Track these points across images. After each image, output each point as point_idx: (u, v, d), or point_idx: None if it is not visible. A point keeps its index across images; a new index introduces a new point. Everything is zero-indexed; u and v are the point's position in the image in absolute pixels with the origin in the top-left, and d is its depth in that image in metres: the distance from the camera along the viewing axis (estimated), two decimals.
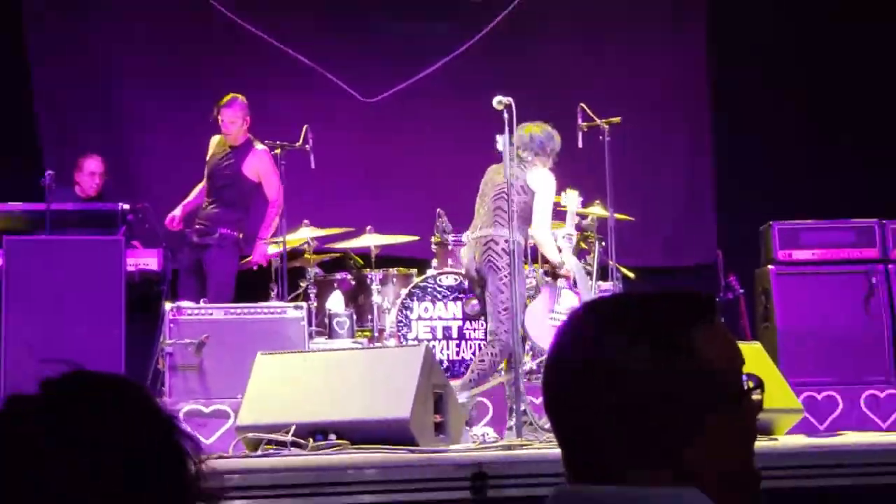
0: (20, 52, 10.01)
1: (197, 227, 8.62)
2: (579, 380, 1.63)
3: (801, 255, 8.65)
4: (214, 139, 8.79)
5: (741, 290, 9.16)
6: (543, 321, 7.52)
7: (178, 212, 8.76)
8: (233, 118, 8.58)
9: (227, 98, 8.62)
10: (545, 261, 7.76)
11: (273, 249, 8.55)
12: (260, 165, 8.63)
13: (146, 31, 10.37)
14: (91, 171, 9.07)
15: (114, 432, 1.57)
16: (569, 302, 7.56)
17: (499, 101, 6.68)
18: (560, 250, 7.59)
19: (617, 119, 8.36)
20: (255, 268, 8.70)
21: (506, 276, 7.07)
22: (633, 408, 1.60)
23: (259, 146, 8.61)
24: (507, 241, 7.09)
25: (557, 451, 4.81)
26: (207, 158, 8.75)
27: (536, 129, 7.55)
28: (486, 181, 7.45)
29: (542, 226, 7.37)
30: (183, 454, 1.61)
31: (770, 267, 8.62)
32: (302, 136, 8.47)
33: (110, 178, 9.26)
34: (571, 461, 1.66)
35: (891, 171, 10.10)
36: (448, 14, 10.84)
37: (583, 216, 8.33)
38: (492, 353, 7.03)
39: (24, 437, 1.53)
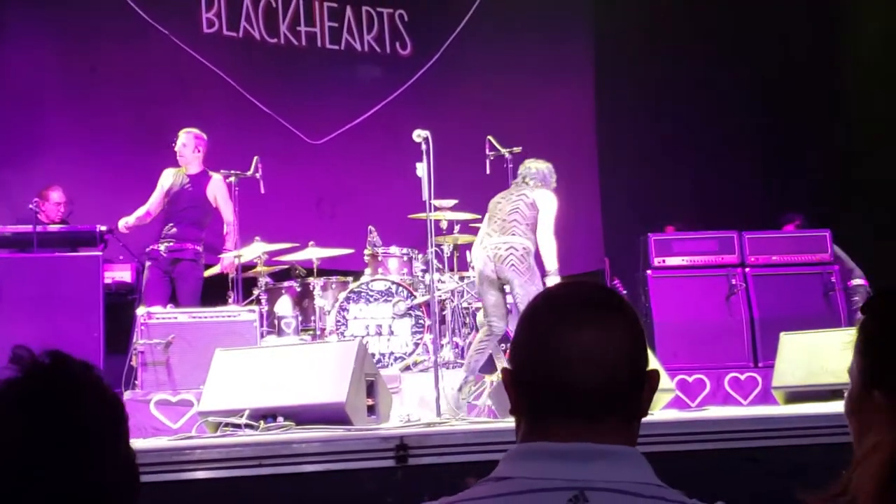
0: None
1: (166, 244, 8.51)
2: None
3: (673, 261, 8.78)
4: (169, 171, 8.68)
5: (624, 291, 9.28)
6: None
7: (131, 220, 8.56)
8: (186, 142, 8.55)
9: (183, 130, 8.60)
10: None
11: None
12: (218, 191, 8.60)
13: (111, 70, 10.03)
14: (56, 202, 8.99)
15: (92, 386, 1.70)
16: None
17: (417, 134, 6.73)
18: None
19: (518, 149, 8.41)
20: (228, 273, 8.57)
21: (527, 275, 7.20)
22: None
23: (215, 175, 8.59)
24: (524, 247, 7.28)
25: (467, 427, 4.85)
26: (167, 188, 8.61)
27: (542, 166, 7.66)
28: (497, 202, 7.52)
29: (546, 235, 7.42)
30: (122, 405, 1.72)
31: (648, 271, 8.74)
32: (252, 166, 8.48)
33: (72, 206, 9.10)
34: (538, 423, 1.68)
35: (745, 188, 10.30)
36: (383, 65, 10.90)
37: None
38: None
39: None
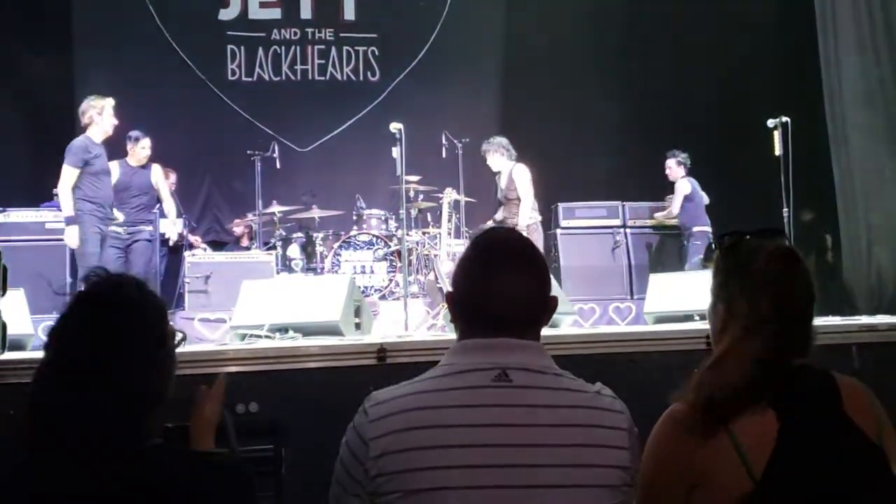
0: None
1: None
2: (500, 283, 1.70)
3: (576, 223, 8.76)
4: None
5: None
6: None
7: None
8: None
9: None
10: None
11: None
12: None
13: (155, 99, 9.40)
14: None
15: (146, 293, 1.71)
16: None
17: (393, 126, 6.52)
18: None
19: (466, 139, 8.34)
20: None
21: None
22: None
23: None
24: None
25: (427, 337, 4.75)
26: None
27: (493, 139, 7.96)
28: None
29: (526, 200, 7.66)
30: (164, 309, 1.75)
31: (557, 230, 8.71)
32: (271, 149, 8.37)
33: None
34: (471, 329, 1.71)
35: (627, 167, 9.88)
36: (358, 89, 10.53)
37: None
38: None
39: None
